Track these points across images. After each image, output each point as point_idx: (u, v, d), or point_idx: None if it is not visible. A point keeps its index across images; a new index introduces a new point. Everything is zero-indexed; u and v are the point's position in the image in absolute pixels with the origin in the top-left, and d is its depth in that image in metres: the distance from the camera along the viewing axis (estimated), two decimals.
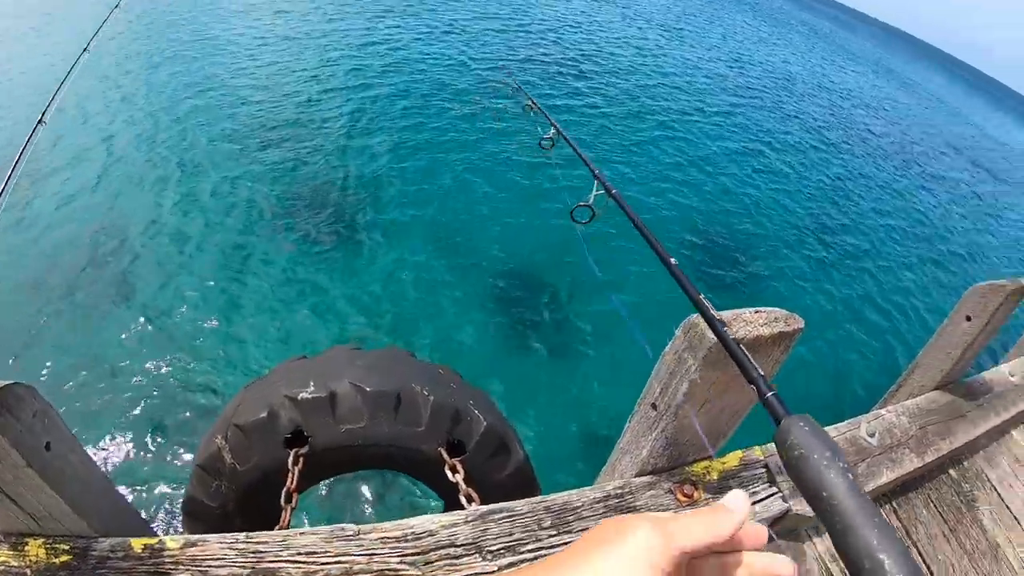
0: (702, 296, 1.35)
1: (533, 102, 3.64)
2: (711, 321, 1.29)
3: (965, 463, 2.96)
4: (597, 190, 1.98)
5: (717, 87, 20.68)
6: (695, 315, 1.42)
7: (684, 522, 0.57)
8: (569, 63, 17.56)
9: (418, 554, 1.40)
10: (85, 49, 4.04)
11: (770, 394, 0.94)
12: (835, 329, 9.11)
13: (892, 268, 12.18)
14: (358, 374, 2.16)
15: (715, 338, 1.35)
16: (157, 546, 1.28)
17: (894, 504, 2.48)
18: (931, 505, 2.62)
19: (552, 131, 2.98)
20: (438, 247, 8.14)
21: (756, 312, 1.48)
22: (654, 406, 1.58)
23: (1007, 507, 2.93)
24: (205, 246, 7.38)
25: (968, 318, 2.67)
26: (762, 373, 1.01)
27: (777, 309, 1.52)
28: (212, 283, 6.87)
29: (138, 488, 4.78)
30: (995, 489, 2.97)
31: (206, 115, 10.09)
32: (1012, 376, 3.46)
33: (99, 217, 7.61)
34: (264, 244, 7.54)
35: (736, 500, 0.60)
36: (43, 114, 3.10)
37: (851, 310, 9.92)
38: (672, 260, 1.48)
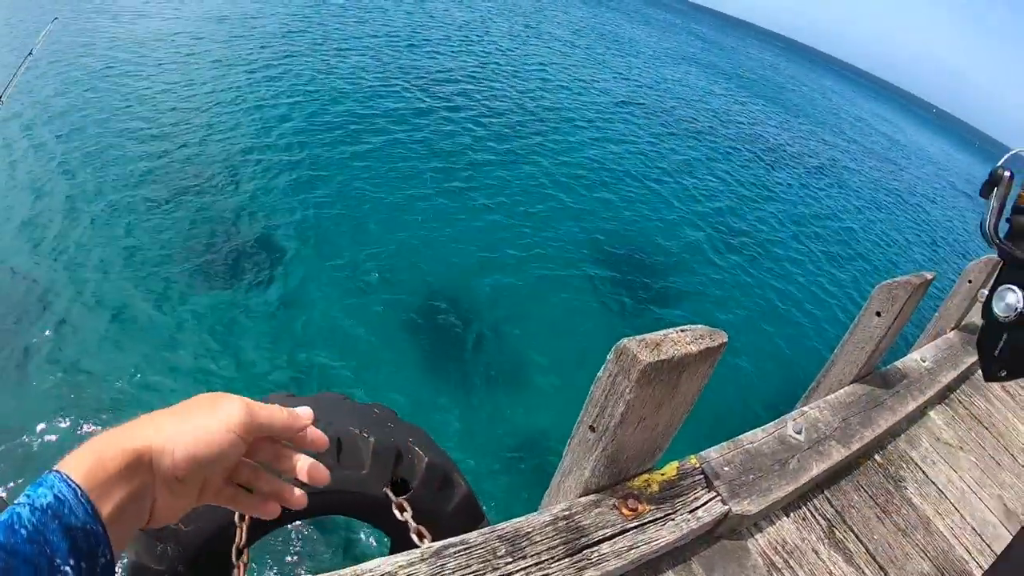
0: None
1: None
2: None
3: (889, 447, 3.12)
4: None
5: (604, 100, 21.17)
6: (625, 339, 1.49)
7: (267, 407, 0.74)
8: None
9: None
10: None
11: None
12: (754, 336, 9.41)
13: (799, 273, 12.71)
14: None
15: (646, 360, 1.43)
16: None
17: (826, 493, 2.60)
18: (861, 489, 2.76)
19: None
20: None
21: (682, 331, 1.57)
22: (592, 428, 1.64)
23: (932, 483, 3.11)
24: (104, 300, 6.97)
25: (878, 313, 2.83)
26: None
27: (700, 326, 1.61)
28: (117, 339, 6.50)
29: None
30: (919, 468, 3.15)
31: (94, 161, 9.54)
32: (923, 361, 3.67)
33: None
34: (171, 293, 7.19)
35: (305, 409, 0.79)
36: None
37: (765, 317, 10.30)
38: None
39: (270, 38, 16.53)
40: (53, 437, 5.38)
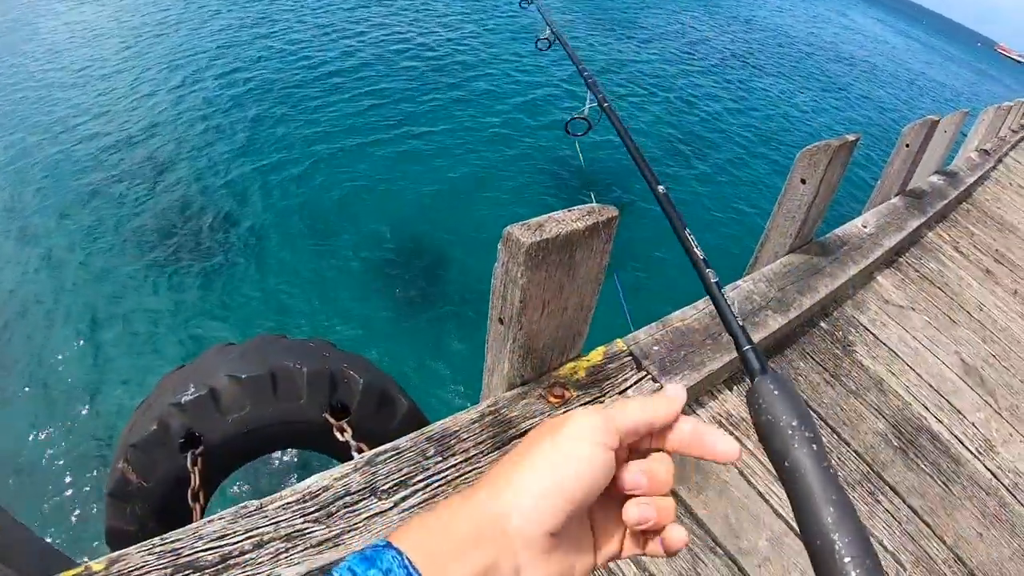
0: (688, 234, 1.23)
1: None
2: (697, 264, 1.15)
3: (834, 313, 3.17)
4: (591, 101, 1.88)
5: None
6: (510, 225, 1.50)
7: (620, 403, 0.59)
8: None
9: (319, 510, 1.46)
10: None
11: (747, 348, 0.87)
12: (697, 229, 9.46)
13: (749, 167, 12.81)
14: (232, 366, 2.20)
15: (528, 240, 1.44)
16: (85, 573, 1.29)
17: (770, 363, 2.64)
18: (808, 357, 2.81)
19: (547, 31, 2.81)
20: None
21: (568, 211, 1.58)
22: (501, 320, 1.67)
23: (883, 344, 3.18)
24: (64, 299, 6.96)
25: (803, 180, 2.85)
26: (742, 324, 0.92)
27: (590, 204, 1.62)
28: (82, 336, 6.53)
29: (64, 530, 4.74)
30: (868, 331, 3.21)
31: (26, 158, 9.26)
32: (865, 227, 3.71)
33: None
34: (131, 283, 7.20)
35: (675, 389, 0.62)
36: None
37: (712, 211, 10.47)
38: (660, 188, 1.35)
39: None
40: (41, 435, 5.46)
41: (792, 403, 0.74)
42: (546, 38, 2.85)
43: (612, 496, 0.58)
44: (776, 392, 0.75)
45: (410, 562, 0.47)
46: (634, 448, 0.61)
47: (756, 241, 3.26)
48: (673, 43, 21.79)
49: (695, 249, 1.18)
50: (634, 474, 0.58)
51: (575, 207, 1.60)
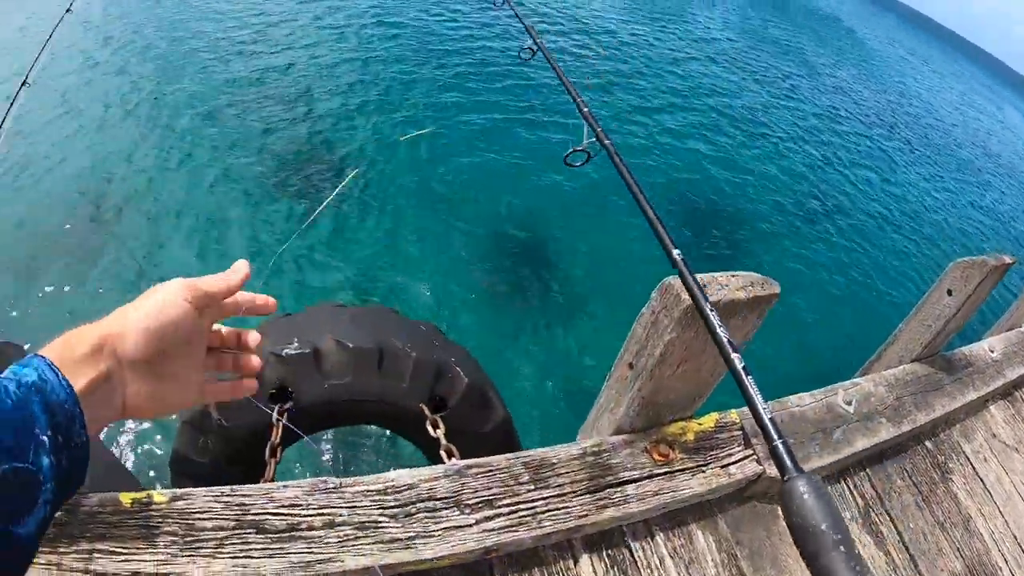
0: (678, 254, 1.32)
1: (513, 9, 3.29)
2: (702, 308, 1.26)
3: (942, 435, 3.00)
4: (589, 136, 1.98)
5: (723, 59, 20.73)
6: (672, 277, 1.44)
7: (203, 277, 0.81)
8: None
9: (398, 507, 1.42)
10: (68, 9, 4.00)
11: (778, 442, 0.90)
12: (816, 297, 9.15)
13: (877, 242, 12.32)
14: (341, 330, 2.19)
15: (689, 299, 1.38)
16: (145, 500, 1.27)
17: (868, 471, 2.52)
18: (905, 475, 2.66)
19: (530, 41, 2.79)
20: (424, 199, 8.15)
21: (732, 276, 1.51)
22: (631, 366, 1.61)
23: (981, 480, 2.99)
24: (188, 215, 7.25)
25: (949, 292, 2.70)
26: (765, 406, 0.97)
27: (753, 273, 1.55)
28: (197, 253, 6.78)
29: (126, 446, 4.81)
30: (970, 462, 3.02)
31: (191, 79, 9.75)
32: (992, 352, 3.50)
33: (83, 180, 7.51)
34: (247, 214, 7.45)
35: (241, 265, 0.85)
36: (27, 75, 3.11)
37: (833, 281, 10.04)
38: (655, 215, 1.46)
39: None
40: None
41: (824, 506, 0.80)
42: (530, 47, 2.76)
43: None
44: (806, 496, 0.81)
45: (51, 363, 0.64)
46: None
47: (862, 323, 3.12)
48: (821, 90, 21.28)
49: (711, 320, 1.25)
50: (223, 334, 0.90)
51: (739, 273, 1.53)
